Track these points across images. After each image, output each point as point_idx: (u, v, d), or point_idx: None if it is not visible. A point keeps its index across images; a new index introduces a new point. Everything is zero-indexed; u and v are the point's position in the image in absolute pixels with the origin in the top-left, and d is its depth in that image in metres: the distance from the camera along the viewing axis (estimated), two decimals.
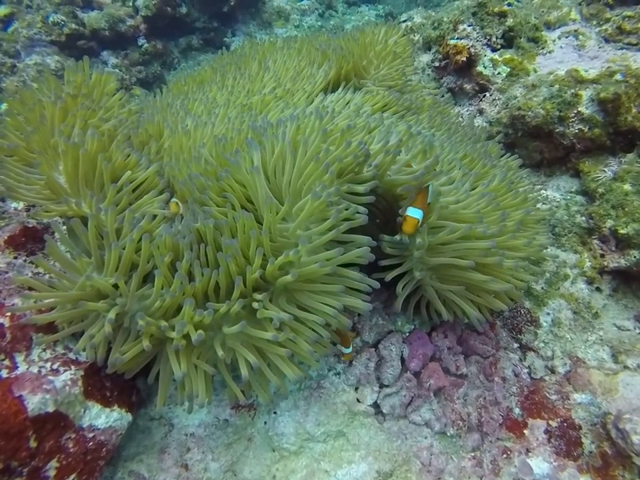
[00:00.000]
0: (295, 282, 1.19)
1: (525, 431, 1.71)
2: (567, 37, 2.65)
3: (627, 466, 1.53)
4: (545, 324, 2.03)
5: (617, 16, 2.72)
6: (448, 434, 1.59)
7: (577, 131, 2.26)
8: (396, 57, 2.06)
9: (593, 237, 2.17)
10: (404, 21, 3.56)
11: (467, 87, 2.68)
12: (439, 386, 1.61)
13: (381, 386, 1.58)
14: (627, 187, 2.11)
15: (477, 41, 2.64)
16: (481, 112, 2.61)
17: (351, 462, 1.47)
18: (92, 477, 1.24)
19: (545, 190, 2.39)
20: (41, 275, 1.55)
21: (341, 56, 1.95)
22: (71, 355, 1.32)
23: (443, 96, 2.27)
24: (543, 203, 2.31)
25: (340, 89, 1.87)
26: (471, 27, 2.66)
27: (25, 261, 1.58)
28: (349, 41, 2.10)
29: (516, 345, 1.97)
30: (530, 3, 2.86)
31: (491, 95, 2.59)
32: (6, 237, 1.57)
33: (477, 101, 2.65)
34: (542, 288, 2.13)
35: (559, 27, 2.75)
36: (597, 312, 2.06)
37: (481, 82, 2.62)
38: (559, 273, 2.16)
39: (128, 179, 1.44)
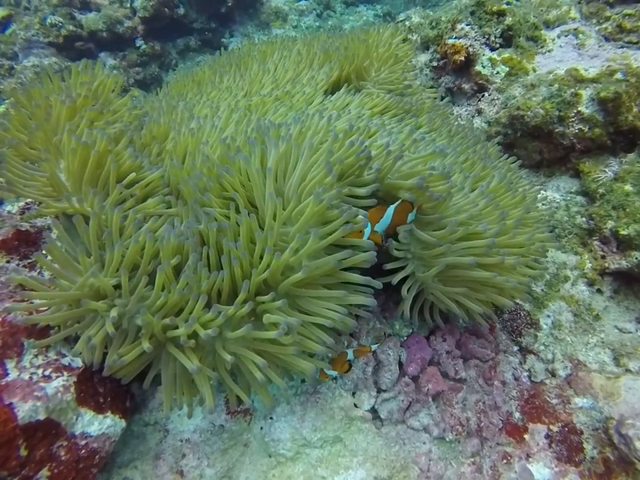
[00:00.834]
0: (297, 287, 1.17)
1: (525, 436, 1.69)
2: (566, 36, 2.62)
3: (630, 472, 1.51)
4: (545, 326, 2.01)
5: (617, 14, 2.70)
6: (447, 439, 1.57)
7: (576, 130, 2.23)
8: (397, 60, 2.05)
9: (594, 238, 2.14)
10: (402, 21, 3.54)
11: (466, 86, 2.66)
12: (438, 390, 1.59)
13: (379, 391, 1.56)
14: (628, 187, 2.09)
15: (476, 40, 2.61)
16: (479, 112, 2.59)
17: (348, 468, 1.45)
18: None
19: (545, 190, 2.37)
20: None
21: (343, 56, 1.94)
22: (64, 361, 1.30)
23: (442, 98, 2.26)
24: (543, 204, 2.29)
25: (342, 90, 1.85)
26: (469, 26, 2.64)
27: (17, 264, 1.56)
28: (354, 40, 2.08)
29: (516, 348, 1.95)
30: (529, 2, 2.83)
31: (489, 95, 2.56)
32: None
33: (475, 101, 2.63)
34: (542, 290, 2.11)
35: (558, 26, 2.73)
36: (597, 314, 2.03)
37: (480, 82, 2.60)
38: (559, 275, 2.13)
39: (132, 180, 1.42)
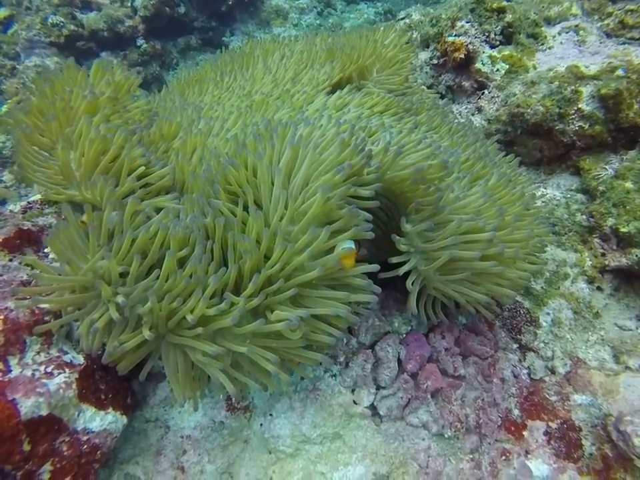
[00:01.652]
0: (302, 286, 1.17)
1: (524, 433, 1.69)
2: (567, 33, 2.61)
3: (629, 469, 1.51)
4: (544, 324, 2.01)
5: (620, 10, 2.68)
6: (446, 436, 1.58)
7: (577, 128, 2.23)
8: (401, 61, 2.05)
9: (594, 235, 2.14)
10: (402, 19, 3.54)
11: (466, 84, 2.65)
12: (437, 387, 1.60)
13: (378, 387, 1.57)
14: (629, 184, 2.08)
15: (476, 37, 2.61)
16: (479, 109, 2.58)
17: (347, 464, 1.46)
18: None
19: (545, 188, 2.37)
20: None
21: (347, 56, 1.94)
22: (65, 358, 1.32)
23: (442, 97, 2.25)
24: (543, 201, 2.28)
25: (345, 90, 1.85)
26: (469, 24, 2.63)
27: (19, 263, 1.58)
28: (359, 40, 2.07)
29: (515, 346, 1.95)
30: None
31: (489, 93, 2.56)
32: (0, 239, 1.57)
33: (475, 99, 2.62)
34: (542, 287, 2.11)
35: (559, 23, 2.72)
36: (597, 311, 2.03)
37: (480, 79, 2.59)
38: (559, 272, 2.13)
39: (141, 174, 1.42)
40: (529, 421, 1.72)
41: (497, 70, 2.56)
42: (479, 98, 2.59)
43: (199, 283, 1.14)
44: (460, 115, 2.63)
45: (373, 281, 1.25)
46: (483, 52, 2.60)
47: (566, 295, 2.08)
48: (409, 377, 1.59)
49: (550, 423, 1.71)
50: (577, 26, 2.61)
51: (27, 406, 1.14)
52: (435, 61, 2.81)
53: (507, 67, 2.54)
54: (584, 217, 2.20)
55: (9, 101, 4.59)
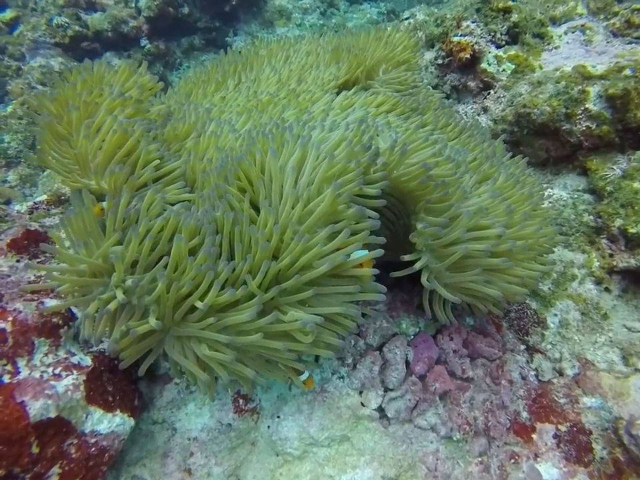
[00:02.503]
0: (311, 284, 1.16)
1: (533, 436, 1.68)
2: (573, 32, 2.60)
3: None
4: (552, 325, 1.99)
5: (626, 9, 2.66)
6: (454, 438, 1.57)
7: (584, 128, 2.21)
8: (408, 61, 2.04)
9: (602, 236, 2.12)
10: (406, 19, 3.53)
11: (471, 84, 2.64)
12: (445, 389, 1.59)
13: (386, 390, 1.56)
14: (637, 185, 2.06)
15: (481, 37, 2.59)
16: (485, 110, 2.57)
17: (355, 467, 1.45)
18: None
19: (552, 188, 2.35)
20: (43, 277, 1.54)
21: (354, 56, 1.93)
22: (73, 360, 1.31)
23: (447, 97, 2.24)
24: (550, 202, 2.27)
25: (352, 91, 1.85)
26: (475, 24, 2.62)
27: (27, 264, 1.58)
28: (369, 40, 2.06)
29: (523, 347, 1.94)
30: None
31: (495, 93, 2.54)
32: (8, 240, 1.57)
33: (481, 99, 2.61)
34: (549, 289, 2.09)
35: (565, 22, 2.70)
36: (606, 313, 2.01)
37: (485, 79, 2.58)
38: (567, 273, 2.12)
39: (155, 167, 1.42)
40: (537, 424, 1.70)
41: (503, 70, 2.55)
42: (485, 98, 2.58)
43: (210, 270, 1.13)
44: (466, 114, 2.62)
45: (380, 282, 1.24)
46: (489, 52, 2.59)
47: (573, 296, 2.06)
48: (417, 379, 1.58)
49: (559, 426, 1.70)
50: (583, 25, 2.60)
51: (36, 408, 1.13)
52: (440, 61, 2.80)
53: (513, 66, 2.53)
54: (591, 217, 2.18)
55: (14, 101, 4.60)
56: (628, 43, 2.47)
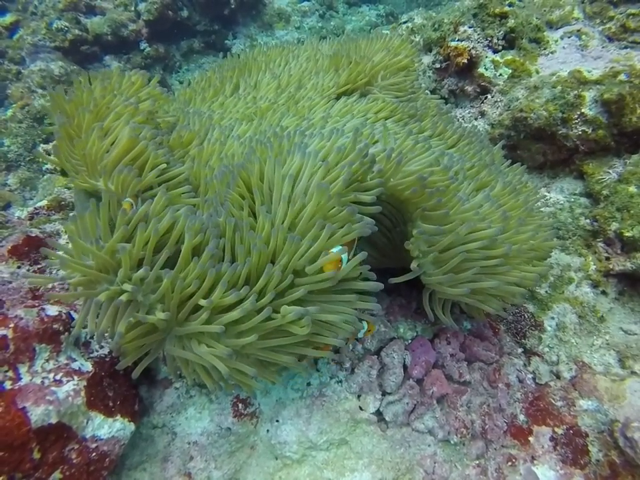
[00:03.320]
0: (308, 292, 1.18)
1: (530, 438, 1.69)
2: (569, 37, 2.62)
3: (637, 476, 1.51)
4: (549, 328, 2.01)
5: (621, 14, 2.69)
6: (451, 442, 1.58)
7: (580, 132, 2.23)
8: (406, 68, 2.06)
9: (598, 239, 2.14)
10: (404, 22, 3.55)
11: (469, 88, 2.66)
12: (442, 393, 1.60)
13: (384, 393, 1.57)
14: (632, 188, 2.08)
15: (478, 42, 2.62)
16: (482, 114, 2.59)
17: (353, 470, 1.47)
18: None
19: (549, 192, 2.37)
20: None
21: (355, 64, 1.95)
22: (74, 366, 1.33)
23: (445, 100, 2.26)
24: (547, 206, 2.29)
25: (352, 98, 1.86)
26: (472, 29, 2.64)
27: (28, 270, 1.59)
28: (371, 46, 2.08)
29: (520, 350, 1.95)
30: (532, 2, 2.83)
31: (492, 97, 2.56)
32: (9, 247, 1.59)
33: (478, 103, 2.63)
34: (546, 292, 2.11)
35: (561, 27, 2.72)
36: (602, 316, 2.03)
37: (483, 84, 2.60)
38: (563, 277, 2.13)
39: (162, 170, 1.43)
40: (534, 427, 1.71)
41: (500, 74, 2.57)
42: (482, 102, 2.60)
43: (213, 269, 1.14)
44: (463, 119, 2.64)
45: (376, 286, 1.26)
46: (486, 57, 2.61)
47: (570, 299, 2.08)
48: (414, 383, 1.59)
49: (556, 429, 1.71)
50: (579, 30, 2.62)
51: (37, 414, 1.14)
52: (437, 65, 2.82)
53: (510, 71, 2.55)
54: (588, 220, 2.20)
55: (14, 105, 4.62)
56: (623, 48, 2.50)
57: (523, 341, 1.98)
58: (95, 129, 1.36)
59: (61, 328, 1.33)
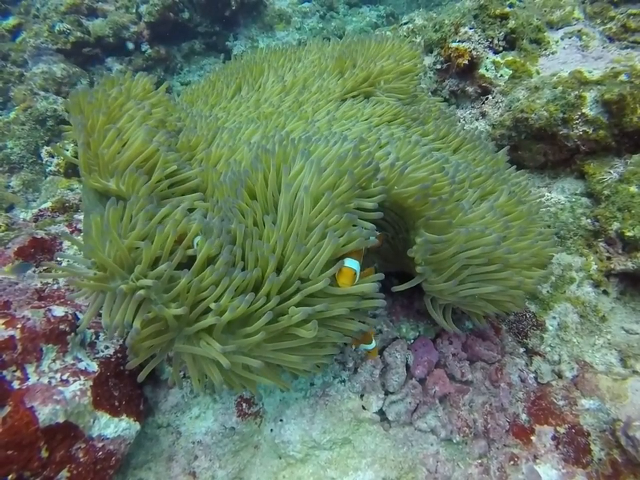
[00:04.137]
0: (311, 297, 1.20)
1: (532, 437, 1.70)
2: (570, 38, 2.62)
3: (638, 474, 1.51)
4: (551, 328, 2.02)
5: (622, 14, 2.70)
6: (454, 441, 1.59)
7: (581, 132, 2.24)
8: (409, 72, 2.07)
9: (599, 239, 2.15)
10: (405, 23, 3.56)
11: (469, 89, 2.67)
12: (445, 392, 1.61)
13: (386, 393, 1.58)
14: (634, 188, 2.09)
15: (479, 43, 2.62)
16: (483, 115, 2.60)
17: (357, 469, 1.48)
18: None
19: (550, 192, 2.38)
20: (50, 284, 1.58)
21: (360, 68, 1.96)
22: (80, 366, 1.34)
23: (448, 104, 2.26)
24: (547, 207, 2.30)
25: (357, 101, 1.87)
26: (473, 30, 2.65)
27: (34, 271, 1.61)
28: (372, 49, 2.08)
29: (522, 350, 1.96)
30: (532, 3, 2.84)
31: (493, 98, 2.57)
32: (16, 249, 1.61)
33: (479, 104, 2.64)
34: (547, 292, 2.11)
35: (562, 27, 2.73)
36: (604, 315, 2.04)
37: (484, 84, 2.61)
38: (565, 276, 2.14)
39: (171, 173, 1.44)
40: (536, 426, 1.72)
41: (501, 75, 2.58)
42: (483, 103, 2.61)
43: (228, 275, 1.17)
44: (464, 120, 2.65)
45: (380, 289, 1.27)
46: (487, 57, 2.62)
47: (572, 299, 2.09)
48: (417, 383, 1.60)
49: (558, 428, 1.72)
50: (579, 31, 2.62)
51: (45, 413, 1.16)
52: (438, 66, 2.83)
53: (511, 72, 2.56)
54: (589, 220, 2.21)
55: (17, 107, 4.65)
56: (624, 48, 2.50)
57: (525, 340, 1.99)
58: (109, 130, 1.37)
59: (67, 328, 1.35)
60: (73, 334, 1.36)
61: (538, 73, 2.50)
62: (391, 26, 4.24)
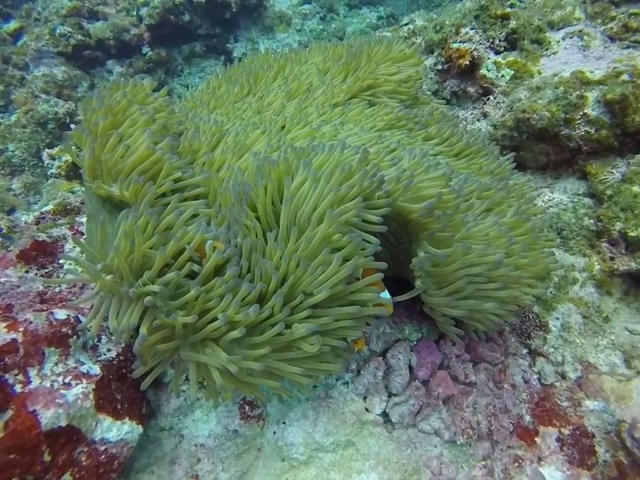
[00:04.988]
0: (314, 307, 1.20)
1: (537, 439, 1.69)
2: (571, 38, 2.62)
3: None
4: (554, 328, 2.01)
5: (623, 14, 2.69)
6: (458, 442, 1.58)
7: (583, 133, 2.23)
8: (412, 77, 2.07)
9: (602, 239, 2.14)
10: (406, 24, 3.56)
11: (471, 90, 2.67)
12: (448, 394, 1.61)
13: (390, 395, 1.58)
14: (636, 188, 2.08)
15: (480, 44, 2.62)
16: (485, 115, 2.59)
17: (360, 472, 1.47)
18: None
19: (552, 192, 2.37)
20: (52, 287, 1.57)
21: (365, 72, 1.95)
22: (82, 369, 1.34)
23: (448, 103, 2.26)
24: (550, 207, 2.29)
25: (362, 104, 1.87)
26: (474, 30, 2.65)
27: (36, 274, 1.61)
28: (376, 53, 2.08)
29: (525, 351, 1.95)
30: (533, 3, 2.84)
31: (495, 98, 2.57)
32: (17, 252, 1.61)
33: (480, 104, 2.64)
34: (550, 292, 2.11)
35: (563, 27, 2.73)
36: (607, 316, 2.03)
37: (485, 85, 2.61)
38: (568, 277, 2.13)
39: (176, 179, 1.44)
40: (540, 427, 1.71)
41: (502, 76, 2.58)
42: (485, 103, 2.61)
43: (236, 286, 1.18)
44: (465, 120, 2.64)
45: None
46: (488, 58, 2.62)
47: (575, 300, 2.08)
48: (420, 384, 1.60)
49: (562, 429, 1.71)
50: (580, 31, 2.62)
51: (47, 417, 1.16)
52: (439, 67, 2.83)
53: (512, 72, 2.56)
54: (592, 221, 2.20)
55: (19, 110, 4.66)
56: (625, 48, 2.50)
57: (528, 341, 1.98)
58: (112, 135, 1.37)
59: (69, 331, 1.34)
60: (75, 337, 1.36)
61: (539, 73, 2.50)
62: (391, 27, 4.24)
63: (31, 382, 1.21)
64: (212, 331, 1.16)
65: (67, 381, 1.28)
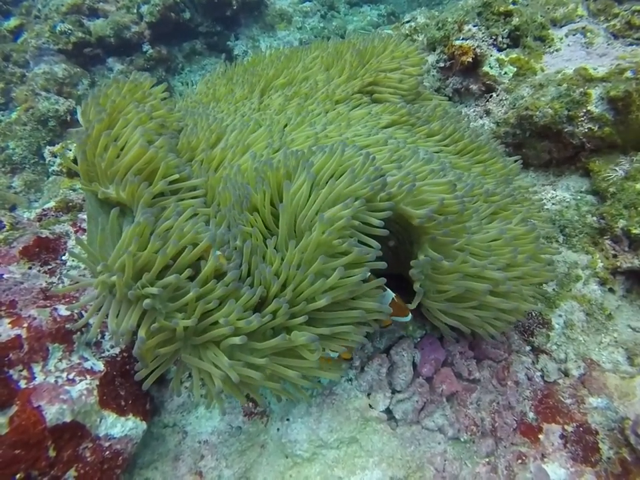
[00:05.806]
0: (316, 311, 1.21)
1: (540, 436, 1.69)
2: (574, 35, 2.61)
3: None
4: (557, 326, 2.01)
5: (626, 10, 2.68)
6: (461, 439, 1.58)
7: (586, 130, 2.23)
8: (413, 75, 2.07)
9: (605, 237, 2.14)
10: (407, 22, 3.55)
11: (473, 87, 2.66)
12: (452, 391, 1.61)
13: (393, 392, 1.58)
14: (639, 186, 2.08)
15: (483, 41, 2.61)
16: (487, 112, 2.59)
17: (364, 468, 1.47)
18: None
19: (555, 190, 2.37)
20: (55, 284, 1.57)
21: (367, 72, 1.95)
22: (86, 365, 1.34)
23: (450, 100, 2.26)
24: (553, 204, 2.29)
25: (365, 102, 1.87)
26: (476, 27, 2.64)
27: (39, 270, 1.61)
28: (379, 52, 2.08)
29: (528, 348, 1.95)
30: (535, 0, 2.83)
31: (497, 95, 2.56)
32: (20, 248, 1.60)
33: (483, 102, 2.63)
34: (553, 290, 2.10)
35: (565, 24, 2.72)
36: (610, 313, 2.03)
37: (488, 82, 2.60)
38: (571, 274, 2.13)
39: (173, 180, 1.43)
40: (544, 424, 1.71)
41: (505, 73, 2.57)
42: (487, 101, 2.60)
43: (237, 289, 1.17)
44: (468, 117, 2.63)
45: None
46: (491, 55, 2.61)
47: (578, 297, 2.07)
48: (424, 381, 1.60)
49: (566, 426, 1.71)
50: (583, 28, 2.61)
51: (52, 413, 1.16)
52: (441, 64, 2.82)
53: (515, 69, 2.55)
54: (594, 218, 2.20)
55: (19, 107, 4.65)
56: (629, 45, 2.49)
57: (531, 338, 1.98)
58: (104, 135, 1.36)
59: (73, 328, 1.34)
60: (78, 333, 1.36)
61: (542, 70, 2.49)
62: (392, 25, 4.23)
63: (35, 378, 1.21)
64: (217, 336, 1.16)
65: (71, 377, 1.28)
